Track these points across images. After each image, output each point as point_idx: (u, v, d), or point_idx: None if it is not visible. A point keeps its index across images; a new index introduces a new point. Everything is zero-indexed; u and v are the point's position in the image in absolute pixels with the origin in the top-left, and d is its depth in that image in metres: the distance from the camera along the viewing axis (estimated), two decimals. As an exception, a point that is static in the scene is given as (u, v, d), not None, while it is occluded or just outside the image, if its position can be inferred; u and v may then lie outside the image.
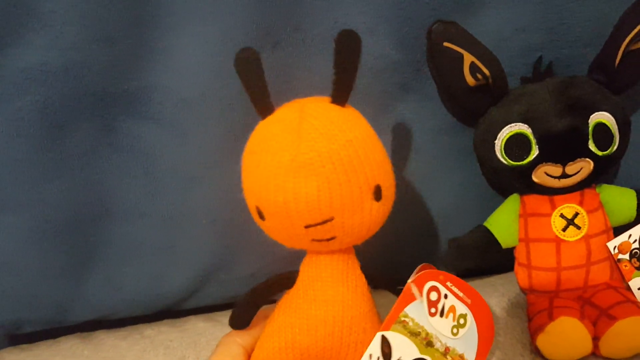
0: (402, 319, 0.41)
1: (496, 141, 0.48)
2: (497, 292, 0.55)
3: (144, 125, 0.47)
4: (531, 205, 0.50)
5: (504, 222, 0.52)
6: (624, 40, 0.45)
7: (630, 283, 0.48)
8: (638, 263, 0.48)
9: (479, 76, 0.46)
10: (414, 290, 0.41)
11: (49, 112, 0.45)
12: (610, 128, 0.47)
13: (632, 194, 0.51)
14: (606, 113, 0.46)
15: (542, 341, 0.45)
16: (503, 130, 0.47)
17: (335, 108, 0.37)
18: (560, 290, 0.49)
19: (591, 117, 0.46)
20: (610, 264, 0.49)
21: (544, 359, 0.46)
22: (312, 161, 0.35)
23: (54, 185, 0.47)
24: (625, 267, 0.48)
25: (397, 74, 0.50)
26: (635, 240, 0.48)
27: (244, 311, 0.42)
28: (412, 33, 0.48)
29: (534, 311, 0.48)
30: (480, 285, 0.57)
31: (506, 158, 0.48)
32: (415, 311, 0.41)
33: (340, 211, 0.36)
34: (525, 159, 0.47)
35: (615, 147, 0.47)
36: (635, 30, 0.44)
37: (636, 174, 0.55)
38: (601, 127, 0.46)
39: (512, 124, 0.47)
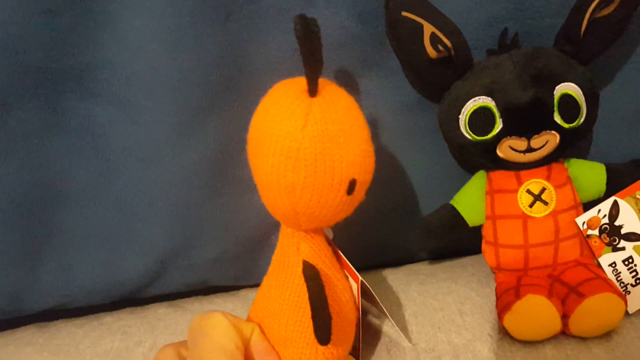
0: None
1: (460, 116, 0.47)
2: (467, 272, 0.54)
3: (92, 103, 0.46)
4: (497, 181, 0.49)
5: (470, 200, 0.50)
6: (588, 7, 0.43)
7: (600, 259, 0.47)
8: (608, 239, 0.47)
9: (441, 48, 0.45)
10: None
11: (-11, 90, 0.43)
12: (577, 99, 0.45)
13: (601, 168, 0.50)
14: (572, 84, 0.45)
15: (508, 320, 0.44)
16: (467, 104, 0.46)
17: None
18: (529, 268, 0.48)
19: (556, 88, 0.45)
20: (580, 241, 0.48)
21: (512, 338, 0.45)
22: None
23: (0, 168, 0.45)
24: (595, 243, 0.47)
25: (357, 48, 0.48)
26: (604, 215, 0.47)
27: (328, 321, 0.37)
28: (372, 4, 0.46)
29: (501, 290, 0.47)
30: (450, 266, 0.56)
31: (470, 133, 0.46)
32: None
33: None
34: (489, 133, 0.46)
35: (582, 120, 0.46)
36: (600, -3, 0.43)
37: (608, 149, 0.53)
38: (567, 98, 0.45)
39: (476, 97, 0.46)
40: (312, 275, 0.37)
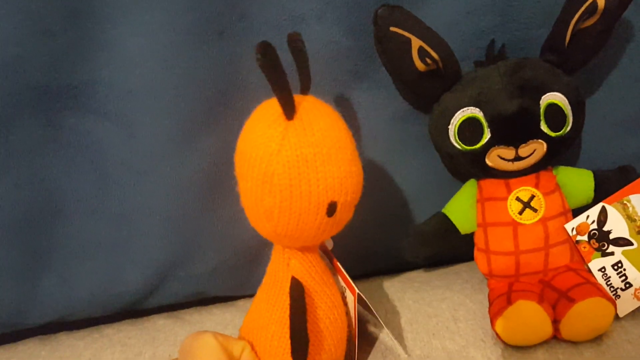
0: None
1: (449, 126, 0.48)
2: (460, 279, 0.55)
3: (90, 119, 0.47)
4: (488, 189, 0.50)
5: (461, 208, 0.51)
6: (572, 18, 0.44)
7: (589, 264, 0.48)
8: (597, 244, 0.48)
9: (429, 61, 0.46)
10: None
11: (-11, 108, 0.44)
12: (563, 108, 0.46)
13: (589, 175, 0.51)
14: (558, 93, 0.46)
15: (500, 326, 0.45)
16: (455, 115, 0.47)
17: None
18: (520, 275, 0.49)
19: (542, 97, 0.46)
20: (569, 246, 0.49)
21: (505, 344, 0.45)
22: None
23: (0, 184, 0.46)
24: (584, 249, 0.48)
25: (348, 61, 0.49)
26: (593, 221, 0.48)
27: (307, 341, 0.37)
28: (362, 19, 0.47)
29: (493, 296, 0.48)
30: (444, 273, 0.57)
31: (460, 143, 0.47)
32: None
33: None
34: (477, 143, 0.47)
35: (568, 128, 0.47)
36: (583, 8, 0.44)
37: (596, 156, 0.54)
38: (553, 107, 0.46)
39: (464, 109, 0.47)
40: (296, 296, 0.37)
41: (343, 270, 0.45)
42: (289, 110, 0.35)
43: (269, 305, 0.40)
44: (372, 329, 0.50)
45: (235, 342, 0.39)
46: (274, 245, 0.41)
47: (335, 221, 0.37)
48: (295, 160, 0.35)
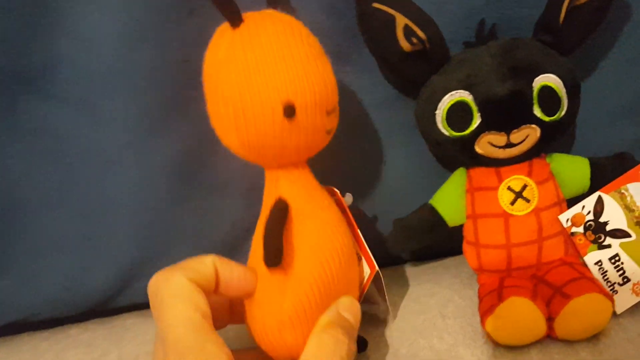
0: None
1: (437, 111, 0.45)
2: (449, 274, 0.53)
3: (50, 104, 0.44)
4: (477, 179, 0.47)
5: (449, 199, 0.48)
6: (566, -6, 0.42)
7: (585, 258, 0.45)
8: (593, 236, 0.45)
9: (415, 40, 0.43)
10: None
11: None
12: (557, 91, 0.43)
13: (585, 162, 0.48)
14: (552, 75, 0.43)
15: (491, 324, 0.42)
16: (443, 99, 0.44)
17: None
18: (512, 269, 0.46)
19: (535, 79, 0.43)
20: (564, 239, 0.46)
21: (496, 343, 0.43)
22: (319, 48, 0.38)
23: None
24: (580, 241, 0.45)
25: (331, 42, 0.46)
26: (589, 212, 0.45)
27: (279, 247, 0.36)
28: (344, -4, 0.44)
29: (483, 292, 0.45)
30: (432, 268, 0.55)
31: (448, 129, 0.45)
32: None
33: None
34: (467, 128, 0.44)
35: (563, 112, 0.44)
36: (578, -17, 0.41)
37: (592, 142, 0.52)
38: (547, 90, 0.43)
39: (452, 92, 0.44)
40: (277, 204, 0.37)
41: (361, 236, 0.44)
42: (232, 18, 0.36)
43: (259, 231, 0.39)
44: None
45: (203, 268, 0.36)
46: (265, 170, 0.40)
47: (299, 126, 0.36)
48: (241, 66, 0.35)
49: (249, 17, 0.36)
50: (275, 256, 0.36)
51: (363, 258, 0.43)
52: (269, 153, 0.38)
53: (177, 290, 0.33)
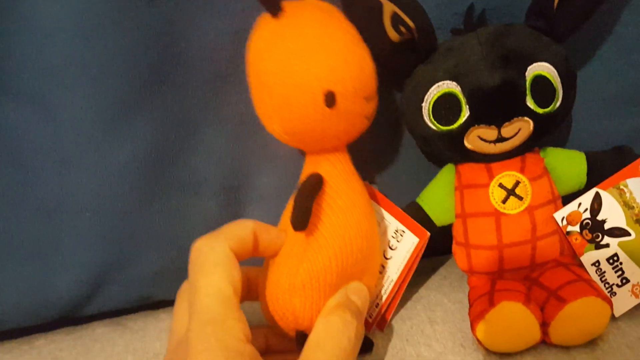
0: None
1: (423, 104, 0.42)
2: (438, 276, 0.51)
3: (1, 101, 0.40)
4: (467, 175, 0.44)
5: (437, 197, 0.46)
6: (561, -23, 0.39)
7: (582, 258, 0.43)
8: (590, 235, 0.43)
9: (403, 29, 0.40)
10: None
11: None
12: (552, 81, 0.41)
13: (581, 157, 0.45)
14: (546, 64, 0.40)
15: (482, 330, 0.40)
16: (430, 90, 0.41)
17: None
18: (504, 270, 0.44)
19: (528, 69, 0.40)
20: (559, 238, 0.44)
21: (487, 350, 0.41)
22: (357, 35, 0.38)
23: None
24: (576, 241, 0.43)
25: None
26: (585, 210, 0.43)
27: (308, 209, 0.37)
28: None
29: (474, 296, 0.43)
30: (420, 269, 0.51)
31: (435, 123, 0.42)
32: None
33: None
34: (455, 122, 0.41)
35: (558, 103, 0.41)
36: (574, -36, 0.38)
37: (588, 135, 0.49)
38: (540, 80, 0.40)
39: (439, 83, 0.41)
40: (312, 176, 0.39)
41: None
42: (272, 8, 0.36)
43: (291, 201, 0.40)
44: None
45: (244, 233, 0.37)
46: (306, 156, 0.42)
47: (340, 113, 0.37)
48: (283, 55, 0.36)
49: (288, 5, 0.37)
50: (302, 219, 0.37)
51: (407, 229, 0.44)
52: (310, 139, 0.39)
53: (218, 259, 0.34)
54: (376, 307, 0.44)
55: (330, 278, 0.38)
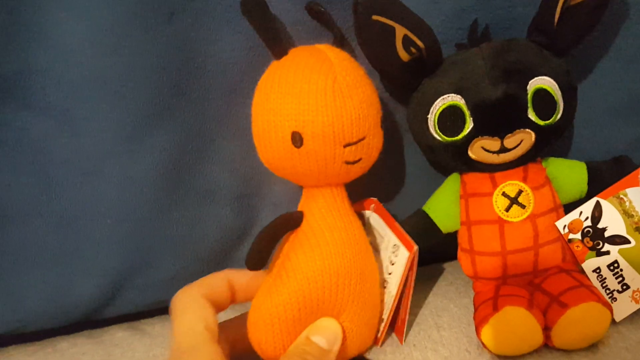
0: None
1: (429, 116, 0.43)
2: (445, 281, 0.52)
3: (27, 114, 0.42)
4: (471, 184, 0.46)
5: (443, 205, 0.47)
6: (561, -6, 0.40)
7: (583, 265, 0.44)
8: (591, 242, 0.44)
9: (413, 50, 0.41)
10: None
11: None
12: (553, 94, 0.42)
13: (582, 167, 0.47)
14: (547, 77, 0.42)
15: (486, 334, 0.41)
16: (435, 103, 0.43)
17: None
18: (508, 276, 0.45)
19: (530, 82, 0.41)
20: (561, 246, 0.45)
21: (492, 354, 0.42)
22: (350, 84, 0.38)
23: None
24: (578, 248, 0.44)
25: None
26: (587, 218, 0.44)
27: (262, 251, 0.39)
28: (331, -2, 0.43)
29: (478, 301, 0.44)
30: (427, 275, 0.53)
31: (440, 134, 0.43)
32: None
33: (370, 130, 0.40)
34: (459, 133, 0.42)
35: (559, 116, 0.43)
36: (573, -18, 0.40)
37: (589, 146, 0.50)
38: (542, 93, 0.42)
39: (444, 96, 0.42)
40: (284, 215, 0.40)
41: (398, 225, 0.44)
42: (274, 52, 0.39)
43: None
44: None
45: (216, 281, 0.40)
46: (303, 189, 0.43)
47: (309, 154, 0.38)
48: (265, 93, 0.39)
49: (295, 50, 0.40)
50: (255, 261, 0.38)
51: (400, 243, 0.44)
52: (287, 174, 0.41)
53: (188, 304, 0.37)
54: (381, 322, 0.45)
55: (291, 314, 0.39)
